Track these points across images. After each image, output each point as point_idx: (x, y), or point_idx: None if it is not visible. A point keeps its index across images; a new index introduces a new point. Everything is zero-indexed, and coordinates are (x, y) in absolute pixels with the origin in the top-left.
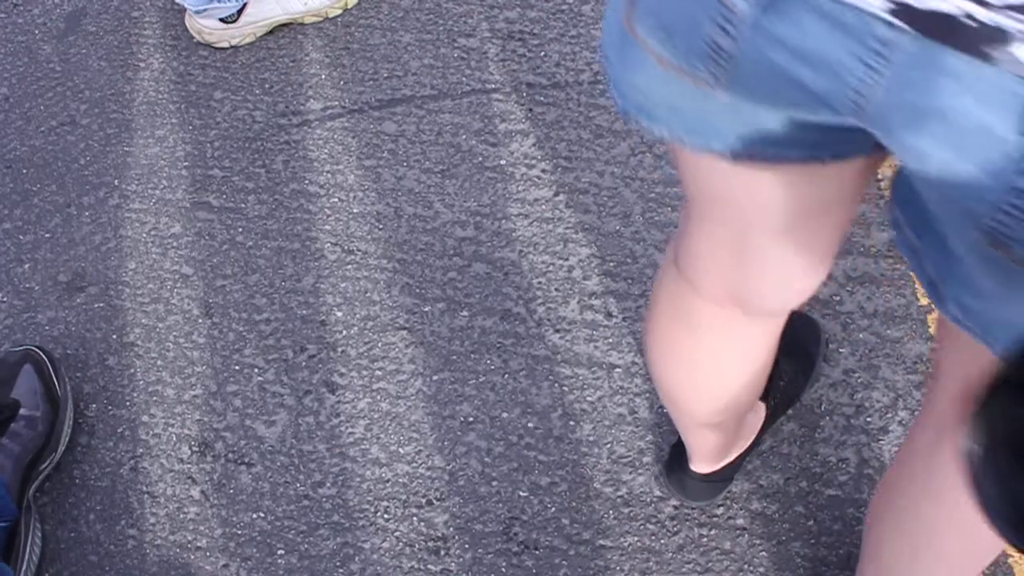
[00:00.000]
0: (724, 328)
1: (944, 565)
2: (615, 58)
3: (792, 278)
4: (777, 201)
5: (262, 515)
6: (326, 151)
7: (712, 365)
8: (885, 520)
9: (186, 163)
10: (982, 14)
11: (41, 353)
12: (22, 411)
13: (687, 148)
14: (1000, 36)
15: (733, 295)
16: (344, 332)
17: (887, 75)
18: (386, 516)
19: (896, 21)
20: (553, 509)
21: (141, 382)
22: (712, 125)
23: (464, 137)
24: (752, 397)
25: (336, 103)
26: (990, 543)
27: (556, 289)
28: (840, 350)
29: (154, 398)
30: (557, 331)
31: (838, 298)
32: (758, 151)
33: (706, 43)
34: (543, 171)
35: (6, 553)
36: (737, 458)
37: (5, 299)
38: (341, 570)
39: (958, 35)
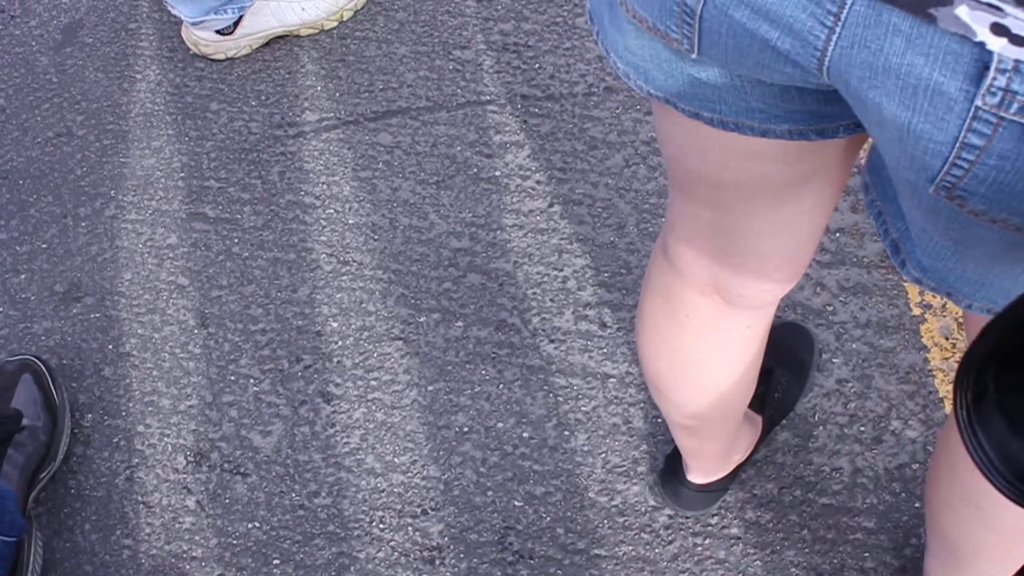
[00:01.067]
0: (708, 318)
1: (999, 537)
2: (607, 21)
3: (773, 266)
4: (759, 179)
5: (257, 525)
6: (322, 162)
7: (695, 356)
8: (939, 497)
9: (182, 174)
10: None
11: (39, 363)
12: (25, 421)
13: (680, 113)
14: None
15: (715, 283)
16: (339, 343)
17: (842, 34)
18: (381, 526)
19: None
20: (548, 519)
21: (137, 392)
22: (701, 91)
23: (459, 149)
24: (740, 401)
25: (332, 115)
26: None
27: (551, 300)
28: (833, 360)
29: (150, 408)
30: (552, 341)
31: (831, 308)
32: (744, 121)
33: (675, 3)
34: (538, 182)
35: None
36: (733, 470)
37: (1, 309)
38: None
39: None
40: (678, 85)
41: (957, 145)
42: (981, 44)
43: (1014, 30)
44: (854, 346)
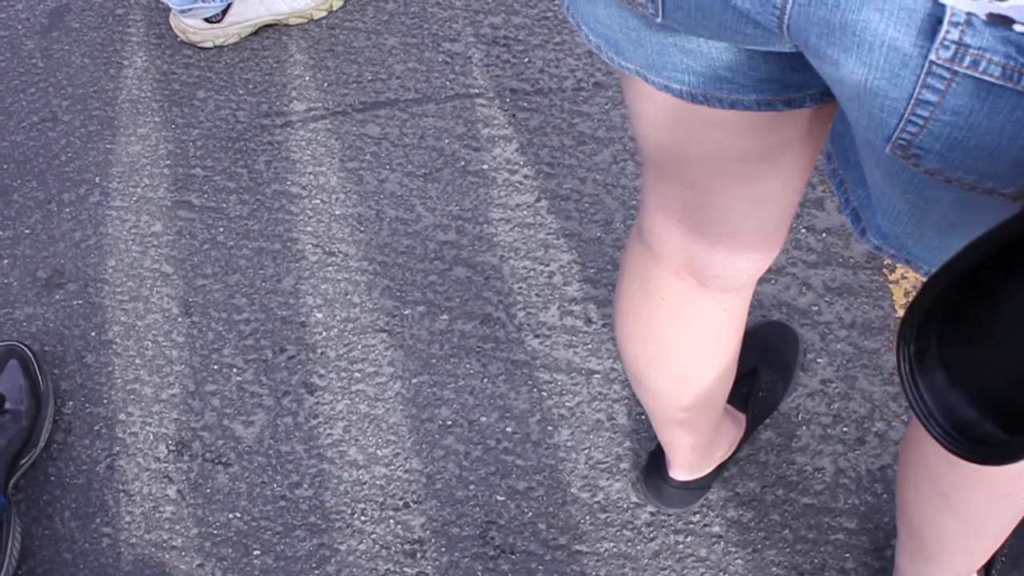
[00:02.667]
0: (683, 301)
1: (962, 524)
2: None
3: (747, 243)
4: (729, 152)
5: (238, 515)
6: (309, 152)
7: (671, 340)
8: (908, 483)
9: (168, 162)
10: None
11: (26, 349)
12: (7, 405)
13: (650, 87)
14: None
15: (690, 263)
16: (324, 334)
17: None
18: (363, 518)
19: None
20: (530, 514)
21: (119, 380)
22: (670, 61)
23: (447, 141)
24: (719, 390)
25: (319, 105)
26: (1014, 503)
27: (536, 294)
28: (818, 360)
29: (132, 396)
30: (537, 336)
31: (816, 308)
32: (712, 92)
33: None
34: (525, 176)
35: None
36: (716, 468)
37: None
38: (317, 571)
39: None
40: (647, 55)
41: (912, 101)
42: None
43: None
44: (839, 347)
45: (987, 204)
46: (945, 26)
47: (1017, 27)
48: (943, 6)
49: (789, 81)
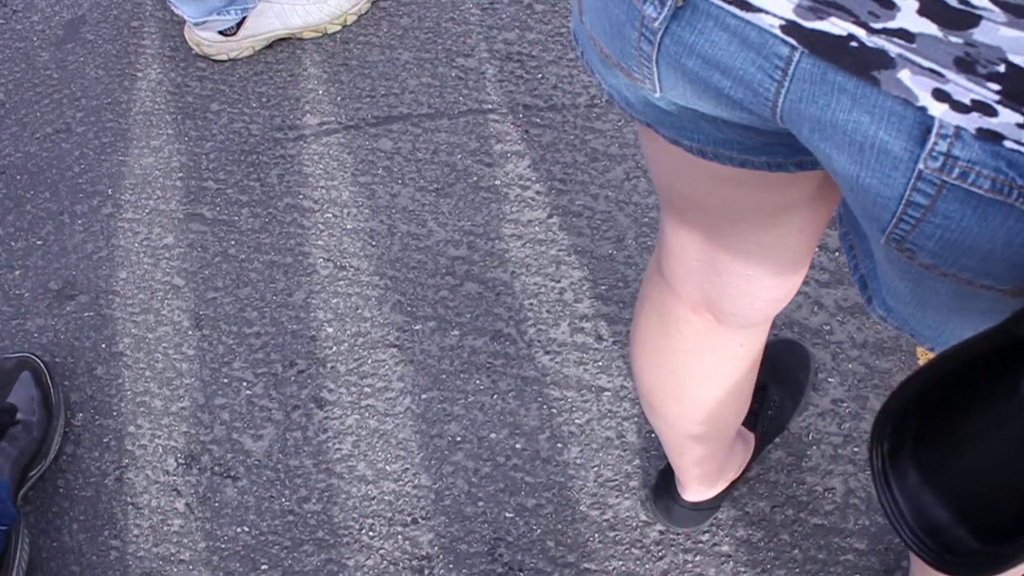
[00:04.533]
0: (700, 335)
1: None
2: (589, 47)
3: (762, 286)
4: (743, 205)
5: (246, 529)
6: (321, 166)
7: (688, 372)
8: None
9: (180, 174)
10: (865, 36)
11: (38, 361)
12: (19, 416)
13: (662, 139)
14: (884, 60)
15: (707, 301)
16: (334, 348)
17: (790, 88)
18: (371, 534)
19: (787, 38)
20: (538, 531)
21: (129, 392)
22: (678, 121)
23: (460, 156)
24: (733, 419)
25: (332, 119)
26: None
27: (547, 311)
28: (829, 379)
29: (141, 409)
30: (547, 353)
31: (828, 328)
32: (723, 152)
33: (633, 47)
34: (537, 193)
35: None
36: (725, 487)
37: None
38: None
39: (845, 56)
40: (655, 114)
41: (903, 202)
42: (923, 108)
43: (955, 96)
44: (850, 366)
45: (986, 294)
46: (933, 137)
47: (1007, 143)
48: (932, 117)
49: (796, 146)
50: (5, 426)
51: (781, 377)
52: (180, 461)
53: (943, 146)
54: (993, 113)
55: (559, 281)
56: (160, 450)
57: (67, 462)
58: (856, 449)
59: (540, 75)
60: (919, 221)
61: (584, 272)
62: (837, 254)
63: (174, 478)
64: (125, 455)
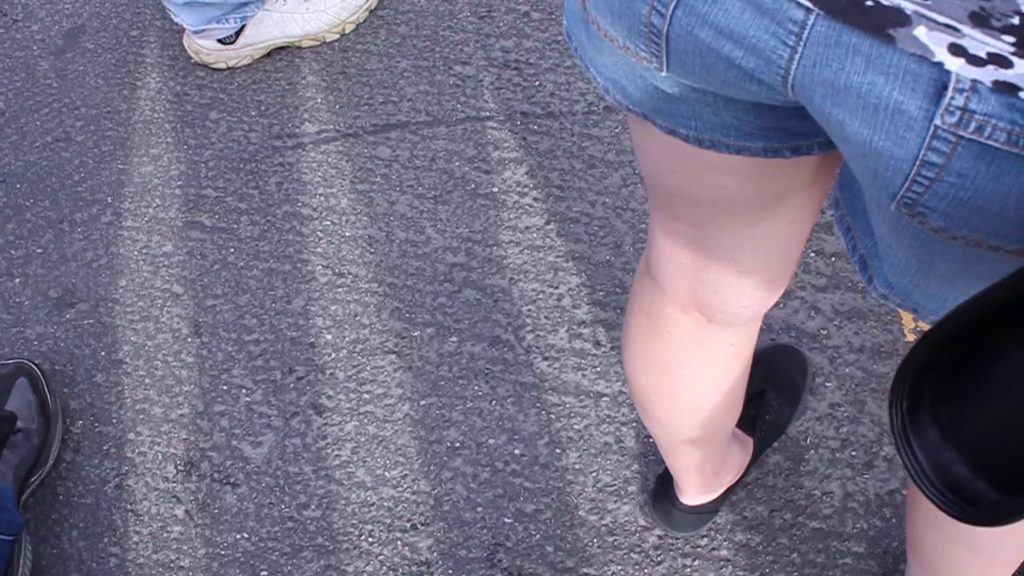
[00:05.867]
0: (690, 335)
1: (973, 553)
2: (584, 38)
3: (752, 282)
4: (736, 195)
5: (246, 536)
6: (320, 174)
7: (678, 372)
8: (918, 511)
9: (180, 182)
10: None
11: (34, 367)
12: (19, 423)
13: (656, 129)
14: (900, 17)
15: (696, 299)
16: (333, 355)
17: (804, 54)
18: (370, 539)
19: (803, 1)
20: (538, 536)
21: (128, 400)
22: (676, 107)
23: (457, 164)
24: (726, 420)
25: (331, 127)
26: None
27: (545, 317)
28: (827, 384)
29: (141, 416)
30: (545, 359)
31: (826, 332)
32: (720, 139)
33: (643, 23)
34: (535, 199)
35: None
36: (724, 491)
37: None
38: None
39: (860, 15)
40: (653, 101)
41: (917, 163)
42: (939, 64)
43: (971, 50)
44: (848, 370)
45: (992, 257)
46: (950, 92)
47: (1023, 94)
48: (948, 72)
49: (796, 129)
50: (6, 434)
51: (779, 382)
52: (179, 468)
53: (960, 100)
54: (1009, 65)
55: (557, 287)
56: (160, 457)
57: (67, 469)
58: (854, 453)
59: (537, 82)
60: (932, 181)
61: (582, 278)
62: (834, 259)
63: (174, 485)
64: (125, 462)
